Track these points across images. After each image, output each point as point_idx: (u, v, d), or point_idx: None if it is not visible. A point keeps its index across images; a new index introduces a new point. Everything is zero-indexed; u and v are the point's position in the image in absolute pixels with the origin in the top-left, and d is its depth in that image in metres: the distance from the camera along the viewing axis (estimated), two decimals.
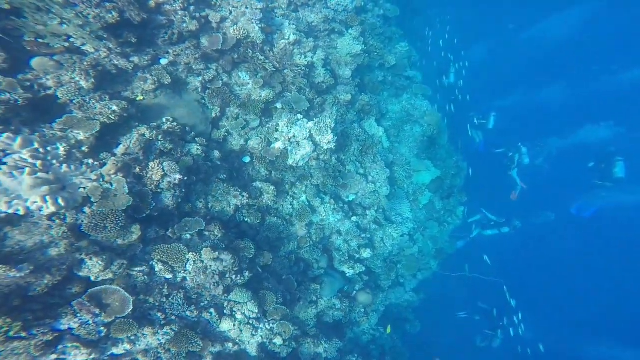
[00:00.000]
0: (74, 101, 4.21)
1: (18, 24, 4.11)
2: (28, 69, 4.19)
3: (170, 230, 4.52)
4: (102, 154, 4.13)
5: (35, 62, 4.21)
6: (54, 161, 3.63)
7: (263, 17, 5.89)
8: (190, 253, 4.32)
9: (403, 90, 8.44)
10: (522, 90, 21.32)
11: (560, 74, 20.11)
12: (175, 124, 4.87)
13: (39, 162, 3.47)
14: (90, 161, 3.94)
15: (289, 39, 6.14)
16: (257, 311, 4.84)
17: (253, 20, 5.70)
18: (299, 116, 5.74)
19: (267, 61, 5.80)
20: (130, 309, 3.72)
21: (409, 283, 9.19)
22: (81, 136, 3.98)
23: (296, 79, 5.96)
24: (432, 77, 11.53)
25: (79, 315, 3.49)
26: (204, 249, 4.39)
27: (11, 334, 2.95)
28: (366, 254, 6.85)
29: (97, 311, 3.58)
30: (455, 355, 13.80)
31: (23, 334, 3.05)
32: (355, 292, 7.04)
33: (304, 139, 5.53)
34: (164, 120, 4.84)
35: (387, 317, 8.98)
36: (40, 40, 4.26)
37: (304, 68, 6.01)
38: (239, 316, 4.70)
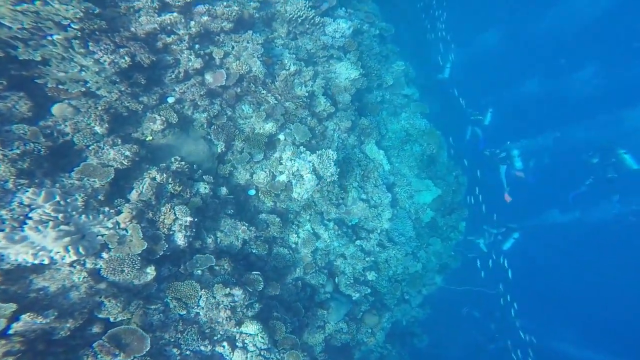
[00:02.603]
0: (90, 147, 4.55)
1: (44, 72, 4.47)
2: (49, 115, 4.54)
3: (182, 267, 4.85)
4: (116, 200, 4.46)
5: (55, 108, 4.55)
6: (74, 212, 3.96)
7: (264, 49, 6.25)
8: (203, 290, 4.65)
9: (401, 109, 8.79)
10: (537, 80, 20.47)
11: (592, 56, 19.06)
12: (183, 163, 5.21)
13: (60, 215, 3.80)
14: (107, 209, 4.27)
15: (289, 69, 6.49)
16: (267, 342, 5.15)
17: (255, 55, 6.06)
18: (302, 148, 6.08)
19: (269, 94, 6.15)
20: (148, 348, 4.04)
21: (414, 299, 9.51)
22: (97, 184, 4.32)
23: (297, 110, 6.30)
24: (427, 73, 11.79)
25: (99, 356, 3.80)
26: (216, 285, 4.71)
27: None
28: (371, 276, 7.18)
29: (117, 351, 3.89)
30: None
31: None
32: (361, 313, 7.35)
33: (308, 172, 5.86)
34: (172, 160, 5.17)
35: (395, 333, 9.29)
36: (61, 87, 4.61)
37: (305, 100, 6.35)
38: (250, 348, 5.01)
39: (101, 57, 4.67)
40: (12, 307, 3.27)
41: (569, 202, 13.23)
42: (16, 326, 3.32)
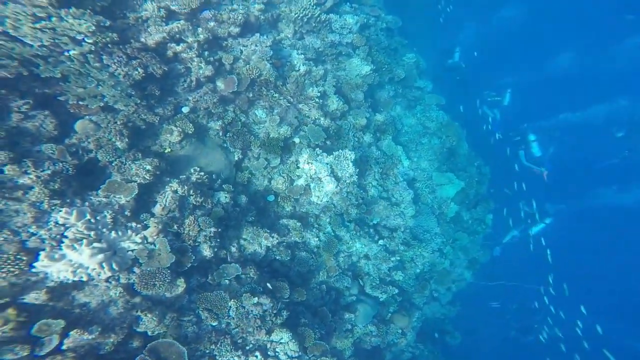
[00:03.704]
0: (113, 163, 4.86)
1: (64, 89, 4.81)
2: (72, 132, 4.87)
3: (210, 278, 5.14)
4: (142, 215, 4.76)
5: (78, 125, 4.88)
6: (104, 229, 4.27)
7: (272, 52, 6.51)
8: (232, 300, 4.92)
9: (415, 102, 8.98)
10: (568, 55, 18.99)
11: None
12: (202, 173, 5.50)
13: (92, 233, 4.11)
14: (134, 224, 4.57)
15: (299, 70, 6.75)
16: (297, 349, 5.40)
17: (264, 58, 6.32)
18: (318, 150, 6.32)
19: (281, 97, 6.41)
20: None
21: (443, 296, 9.68)
22: (122, 200, 4.63)
23: (311, 111, 6.55)
24: (437, 61, 11.83)
25: None
26: (244, 294, 4.98)
27: None
28: (398, 276, 7.38)
29: None
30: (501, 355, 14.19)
31: None
32: (390, 314, 7.55)
33: (326, 175, 6.10)
34: (192, 171, 5.46)
35: (426, 332, 9.46)
36: (81, 102, 4.93)
37: (317, 100, 6.59)
38: (282, 356, 5.27)
39: (115, 70, 4.99)
40: (61, 323, 3.59)
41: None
42: (67, 342, 3.64)
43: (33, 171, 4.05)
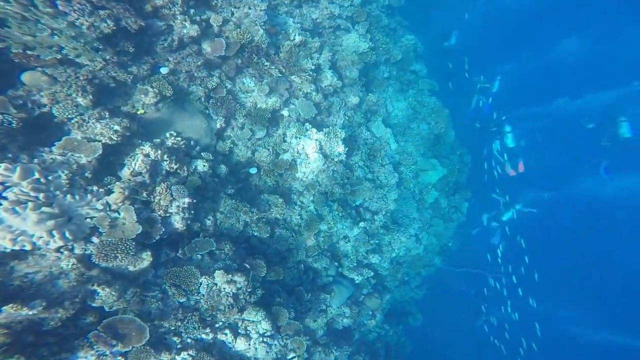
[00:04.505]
0: (72, 120, 4.01)
1: (2, 34, 3.83)
2: (19, 84, 3.96)
3: (180, 252, 4.44)
4: (106, 178, 3.97)
5: (26, 76, 3.97)
6: (57, 192, 3.48)
7: (267, 17, 5.63)
8: (203, 277, 4.26)
9: (408, 86, 8.26)
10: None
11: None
12: (179, 138, 4.70)
13: (41, 195, 3.32)
14: (95, 188, 3.79)
15: (294, 39, 5.90)
16: (270, 328, 4.84)
17: (257, 23, 5.45)
18: (308, 125, 5.59)
19: (272, 66, 5.58)
20: (147, 338, 3.68)
21: (413, 280, 9.34)
22: (83, 160, 3.82)
23: (303, 84, 5.76)
24: (433, 45, 11.03)
25: (95, 347, 3.44)
26: (217, 271, 4.32)
27: None
28: (375, 259, 6.87)
29: (114, 342, 3.53)
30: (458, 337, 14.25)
31: None
32: (363, 296, 7.09)
33: (314, 151, 5.40)
34: (167, 135, 4.66)
35: (392, 312, 9.15)
36: (29, 52, 3.99)
37: (311, 73, 5.80)
38: (253, 335, 4.70)
39: (76, 19, 4.02)
40: None
41: (601, 175, 12.81)
42: None
43: None
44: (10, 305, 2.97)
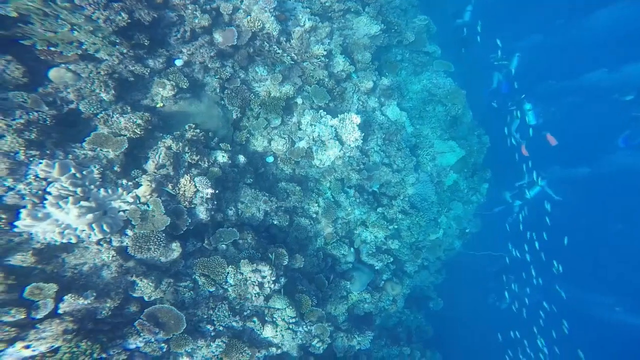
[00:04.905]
0: (98, 115, 4.34)
1: (27, 31, 4.14)
2: (47, 81, 4.29)
3: (206, 242, 4.80)
4: (133, 171, 4.31)
5: (52, 73, 4.29)
6: (92, 186, 3.83)
7: (276, 3, 5.86)
8: (230, 266, 4.63)
9: (422, 67, 8.46)
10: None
11: None
12: (198, 130, 5.02)
13: (79, 190, 3.67)
14: (124, 181, 4.13)
15: (304, 25, 6.13)
16: (295, 315, 5.21)
17: (267, 9, 5.68)
18: (322, 112, 5.86)
19: (284, 54, 5.84)
20: (185, 326, 4.07)
21: (432, 265, 9.67)
22: (111, 155, 4.16)
23: (316, 71, 6.02)
24: (446, 23, 11.05)
25: (142, 334, 3.84)
26: (242, 261, 4.68)
27: (95, 356, 3.33)
28: (394, 244, 7.20)
29: (157, 330, 3.92)
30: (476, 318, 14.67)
31: (103, 355, 3.47)
32: (383, 282, 7.45)
33: (330, 138, 5.69)
34: (187, 127, 4.98)
35: (412, 298, 9.53)
36: (53, 49, 4.30)
37: (323, 59, 6.05)
38: (279, 322, 5.07)
39: (92, 12, 4.31)
40: (54, 287, 3.30)
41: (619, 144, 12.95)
42: (63, 306, 3.35)
43: (1, 119, 3.52)
44: (69, 294, 3.37)
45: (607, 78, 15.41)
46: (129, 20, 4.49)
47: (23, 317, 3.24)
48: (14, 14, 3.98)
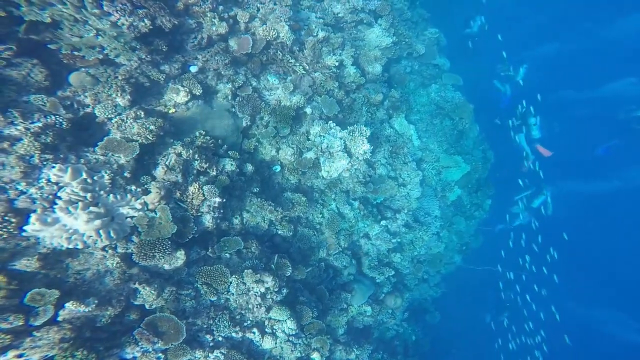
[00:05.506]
0: (112, 120, 4.36)
1: (56, 36, 4.19)
2: (66, 84, 4.32)
3: (210, 250, 4.81)
4: (142, 178, 4.32)
5: (73, 77, 4.34)
6: (102, 192, 3.84)
7: (291, 12, 5.90)
8: (233, 276, 4.63)
9: (431, 80, 8.49)
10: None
11: None
12: (208, 137, 5.03)
13: (89, 195, 3.68)
14: (134, 188, 4.15)
15: (317, 35, 6.17)
16: (295, 327, 5.21)
17: (282, 19, 5.72)
18: (332, 124, 5.88)
19: (297, 63, 5.87)
20: (184, 337, 4.07)
21: (432, 278, 9.67)
22: (122, 160, 4.17)
23: (327, 81, 6.05)
24: (454, 34, 11.07)
25: (140, 344, 3.84)
26: (245, 271, 4.68)
27: None
28: (396, 258, 7.21)
29: (155, 339, 3.92)
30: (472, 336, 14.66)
31: None
32: (383, 295, 7.44)
33: (339, 150, 5.71)
34: (197, 134, 4.99)
35: (410, 310, 9.54)
36: (76, 53, 4.34)
37: (334, 70, 6.08)
38: (279, 334, 5.07)
39: (118, 19, 4.36)
40: (56, 293, 3.29)
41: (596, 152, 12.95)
42: (62, 313, 3.34)
43: (21, 122, 3.55)
44: (71, 302, 3.37)
45: (633, 89, 15.22)
46: (151, 27, 4.54)
47: (21, 323, 3.23)
48: (49, 20, 4.05)
